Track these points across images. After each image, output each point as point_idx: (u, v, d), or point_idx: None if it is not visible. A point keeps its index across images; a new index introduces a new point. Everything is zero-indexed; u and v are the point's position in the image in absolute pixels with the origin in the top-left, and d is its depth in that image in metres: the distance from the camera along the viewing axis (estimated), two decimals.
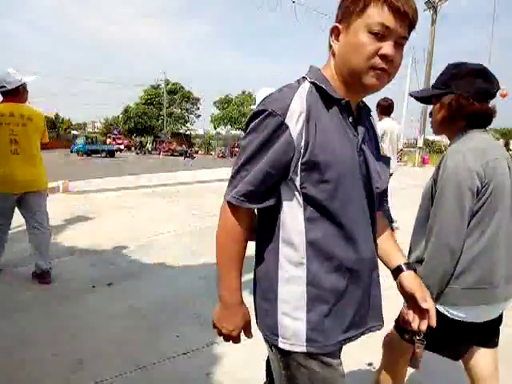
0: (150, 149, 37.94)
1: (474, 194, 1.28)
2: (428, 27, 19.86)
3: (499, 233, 1.34)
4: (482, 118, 1.40)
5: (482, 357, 1.52)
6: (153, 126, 44.66)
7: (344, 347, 1.12)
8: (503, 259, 1.36)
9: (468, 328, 1.39)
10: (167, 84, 44.60)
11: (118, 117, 47.96)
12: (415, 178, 13.81)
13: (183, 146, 36.14)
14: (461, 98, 1.36)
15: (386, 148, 4.96)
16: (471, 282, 1.33)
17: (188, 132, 48.60)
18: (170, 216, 6.42)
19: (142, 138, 41.37)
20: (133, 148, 39.21)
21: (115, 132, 43.47)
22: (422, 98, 1.54)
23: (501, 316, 1.50)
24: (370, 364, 2.28)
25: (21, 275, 3.64)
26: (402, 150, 24.20)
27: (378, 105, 5.12)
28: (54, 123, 58.33)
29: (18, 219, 5.75)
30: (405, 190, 10.42)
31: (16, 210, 3.57)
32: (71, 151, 31.29)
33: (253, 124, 0.97)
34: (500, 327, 1.54)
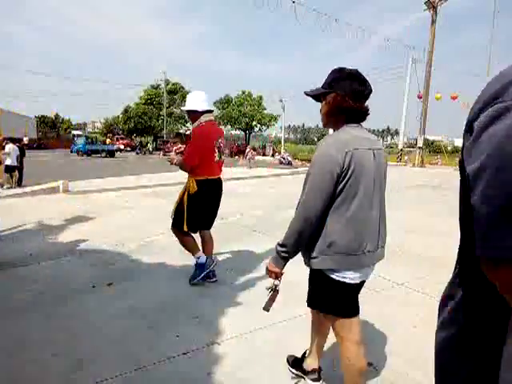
0: (151, 149, 37.86)
1: (333, 176, 1.53)
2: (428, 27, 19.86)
3: (361, 210, 1.60)
4: (357, 114, 1.66)
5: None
6: (153, 126, 44.62)
7: None
8: (367, 231, 1.63)
9: (355, 288, 1.71)
10: (167, 84, 44.54)
11: (118, 117, 47.92)
12: (411, 179, 13.80)
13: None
14: (339, 97, 1.62)
15: None
16: (345, 249, 1.59)
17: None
18: (169, 216, 6.41)
19: (142, 138, 41.33)
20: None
21: (118, 132, 43.42)
22: (313, 95, 1.75)
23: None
24: (370, 364, 2.28)
25: (21, 275, 3.64)
26: (401, 149, 24.18)
27: None
28: (54, 123, 58.35)
29: (18, 219, 5.76)
30: (400, 191, 10.42)
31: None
32: (71, 151, 31.33)
33: None
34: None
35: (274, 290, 1.77)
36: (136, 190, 9.43)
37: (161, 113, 44.18)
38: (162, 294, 3.26)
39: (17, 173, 11.41)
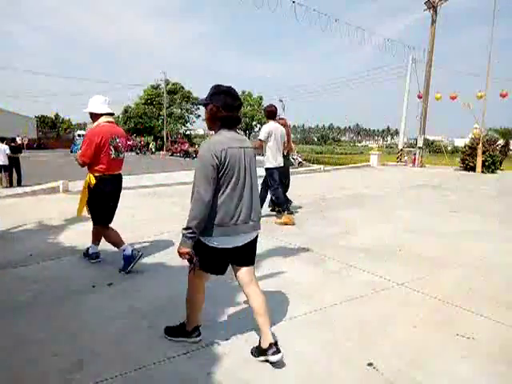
0: (153, 149, 37.68)
1: (214, 167, 2.06)
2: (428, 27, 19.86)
3: (234, 192, 2.14)
4: (230, 121, 2.19)
5: (243, 271, 2.35)
6: (153, 126, 44.59)
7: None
8: (239, 208, 2.16)
9: (221, 252, 2.21)
10: (167, 84, 44.50)
11: (118, 117, 47.86)
12: (411, 179, 13.79)
13: (195, 146, 35.94)
14: (215, 108, 2.15)
15: (271, 146, 5.87)
16: (218, 221, 2.12)
17: (188, 132, 48.54)
18: (169, 216, 6.41)
19: (143, 138, 41.26)
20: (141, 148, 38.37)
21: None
22: (199, 105, 2.24)
23: (251, 246, 2.35)
24: (370, 364, 2.28)
25: (21, 275, 3.64)
26: (401, 149, 24.17)
27: (265, 110, 6.06)
28: (54, 123, 58.34)
29: (18, 219, 5.76)
30: (400, 192, 10.42)
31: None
32: (71, 151, 31.29)
33: None
34: (255, 253, 2.42)
35: (195, 266, 2.22)
36: (136, 189, 9.42)
37: (161, 113, 44.13)
38: (161, 294, 3.26)
39: (15, 174, 11.43)
